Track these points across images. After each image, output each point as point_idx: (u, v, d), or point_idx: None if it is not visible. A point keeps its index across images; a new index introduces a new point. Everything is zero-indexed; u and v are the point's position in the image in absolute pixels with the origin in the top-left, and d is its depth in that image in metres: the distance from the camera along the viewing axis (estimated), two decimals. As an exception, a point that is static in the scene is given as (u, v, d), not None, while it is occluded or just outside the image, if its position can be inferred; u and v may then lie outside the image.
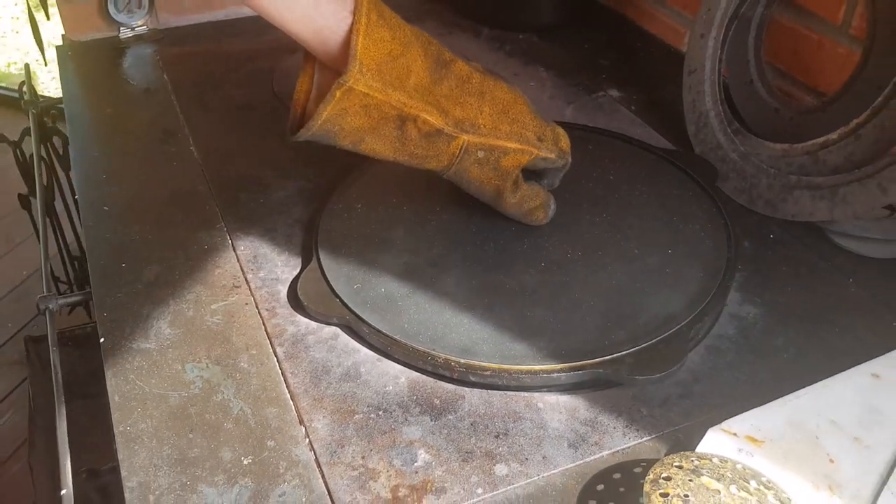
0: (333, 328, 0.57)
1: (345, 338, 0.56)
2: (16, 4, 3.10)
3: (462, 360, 0.52)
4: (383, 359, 0.54)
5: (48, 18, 1.04)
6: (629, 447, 0.49)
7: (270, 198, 0.70)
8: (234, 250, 0.64)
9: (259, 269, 0.62)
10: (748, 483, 0.44)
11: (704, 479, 0.44)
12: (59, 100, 0.93)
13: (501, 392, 0.52)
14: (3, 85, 2.50)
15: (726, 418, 0.49)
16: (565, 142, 0.61)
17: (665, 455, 0.47)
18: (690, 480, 0.43)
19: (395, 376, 0.53)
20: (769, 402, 0.50)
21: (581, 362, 0.52)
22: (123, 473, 0.47)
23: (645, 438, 0.50)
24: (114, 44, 0.95)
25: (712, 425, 0.49)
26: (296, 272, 0.61)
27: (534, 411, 0.51)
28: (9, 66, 2.72)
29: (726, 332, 0.57)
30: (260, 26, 0.98)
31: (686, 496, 0.42)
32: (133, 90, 0.86)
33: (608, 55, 0.94)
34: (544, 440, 0.49)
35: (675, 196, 0.68)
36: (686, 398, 0.52)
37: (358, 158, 0.72)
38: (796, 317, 0.58)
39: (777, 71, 0.81)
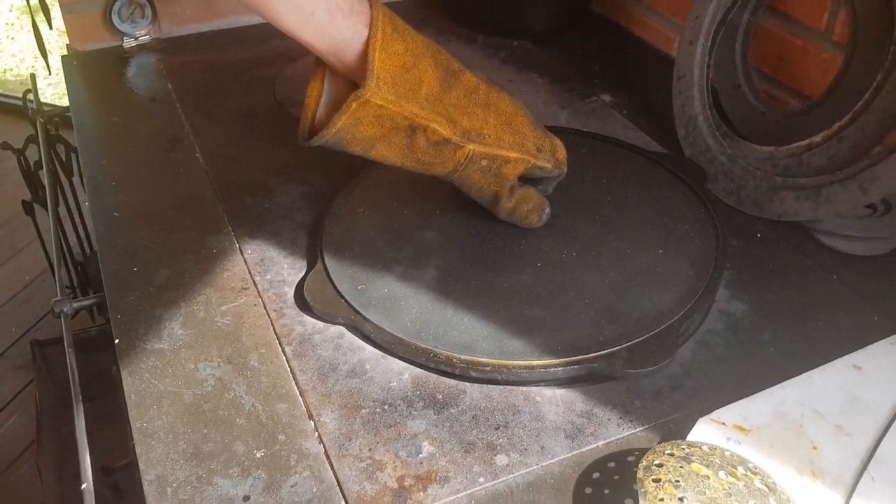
0: (339, 327, 0.59)
1: (350, 337, 0.58)
2: (10, 10, 3.11)
3: (463, 357, 0.54)
4: (387, 356, 0.57)
5: (51, 27, 1.06)
6: (623, 437, 0.52)
7: (275, 202, 0.72)
8: (242, 254, 0.66)
9: (266, 271, 0.64)
10: (736, 469, 0.46)
11: (694, 466, 0.46)
12: (66, 108, 0.95)
13: (501, 386, 0.55)
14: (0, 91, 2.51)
15: (715, 409, 0.52)
16: (562, 153, 0.64)
17: (657, 444, 0.49)
18: (681, 467, 0.46)
19: (399, 373, 0.56)
20: (756, 393, 0.53)
21: (577, 357, 0.54)
22: (142, 467, 0.49)
23: (638, 429, 0.52)
24: (117, 53, 0.97)
25: (702, 416, 0.51)
26: (301, 274, 0.64)
27: (532, 404, 0.54)
28: (4, 72, 2.73)
29: (715, 328, 0.59)
30: (261, 35, 1.01)
31: (677, 481, 0.45)
32: (138, 99, 0.89)
33: (601, 61, 0.97)
34: (542, 432, 0.52)
35: (665, 197, 0.70)
36: (677, 390, 0.55)
37: (360, 164, 0.75)
38: (782, 312, 0.61)
39: (763, 75, 0.83)
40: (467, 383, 0.55)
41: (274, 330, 0.59)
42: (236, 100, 0.88)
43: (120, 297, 0.61)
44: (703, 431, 0.50)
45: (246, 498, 0.47)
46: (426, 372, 0.56)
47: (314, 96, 0.57)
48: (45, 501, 0.95)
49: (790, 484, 0.47)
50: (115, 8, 0.95)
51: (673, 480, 0.45)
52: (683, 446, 0.48)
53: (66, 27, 0.97)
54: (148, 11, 0.97)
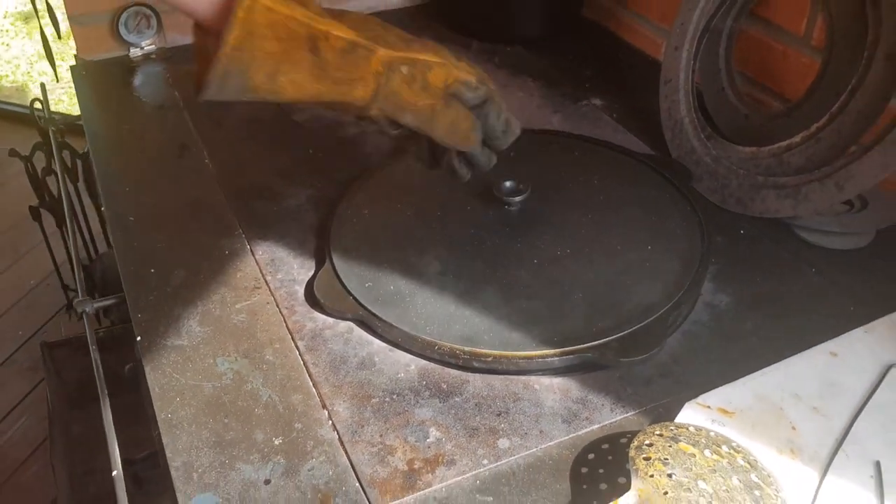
0: (348, 323, 0.63)
1: (359, 331, 0.62)
2: (5, 17, 3.13)
3: (466, 349, 0.58)
4: (395, 349, 0.60)
5: (59, 38, 1.09)
6: (616, 421, 0.55)
7: (283, 205, 0.75)
8: (253, 255, 0.69)
9: (277, 271, 0.68)
10: (720, 448, 0.50)
11: (682, 445, 0.50)
12: (76, 117, 0.98)
13: (502, 376, 0.58)
14: (-1, 98, 2.54)
15: (701, 394, 0.55)
16: (480, 71, 0.60)
17: (647, 426, 0.53)
18: (670, 446, 0.50)
19: (406, 364, 0.59)
20: (739, 378, 0.57)
21: (572, 348, 0.58)
22: (168, 455, 0.53)
23: (630, 413, 0.56)
24: (124, 63, 1.00)
25: (689, 400, 0.55)
26: (310, 273, 0.67)
27: (531, 392, 0.57)
28: (1, 78, 2.75)
29: (701, 319, 0.63)
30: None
31: (666, 459, 0.49)
32: (147, 107, 0.92)
33: (591, 66, 1.00)
34: (541, 417, 0.55)
35: (653, 197, 0.74)
36: (666, 377, 0.58)
37: (361, 169, 0.79)
38: (763, 303, 0.64)
39: (746, 79, 0.87)
40: (470, 373, 0.59)
41: (287, 326, 0.62)
42: (240, 107, 0.91)
43: (139, 297, 0.65)
44: (690, 414, 0.54)
45: (267, 481, 0.51)
46: (431, 363, 0.59)
47: (200, 56, 0.54)
48: (57, 498, 0.98)
49: (770, 461, 0.51)
50: (122, 19, 0.98)
51: (662, 458, 0.49)
52: (672, 428, 0.51)
53: (75, 38, 1.00)
54: (153, 22, 1.00)
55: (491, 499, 0.50)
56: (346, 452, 0.53)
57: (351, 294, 0.63)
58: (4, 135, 2.09)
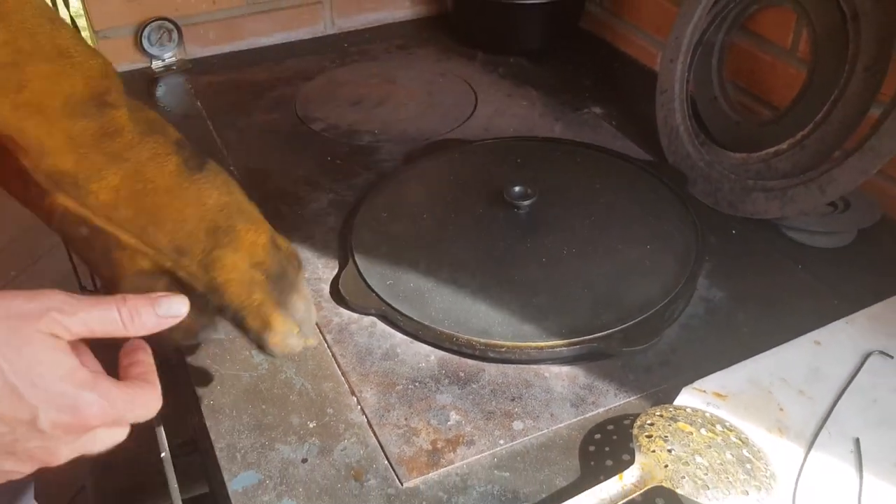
0: (371, 318, 0.68)
1: (382, 325, 0.67)
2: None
3: (482, 340, 0.63)
4: (415, 341, 0.66)
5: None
6: (620, 405, 0.61)
7: (306, 209, 0.81)
8: (280, 255, 0.74)
9: (303, 270, 0.73)
10: (715, 426, 0.56)
11: (680, 424, 0.55)
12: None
13: (515, 365, 0.63)
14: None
15: (697, 379, 0.61)
16: (236, 288, 0.47)
17: (649, 409, 0.58)
18: (669, 425, 0.55)
19: (427, 355, 0.65)
20: (732, 365, 0.62)
21: (579, 339, 0.63)
22: (212, 438, 0.58)
23: (632, 397, 0.61)
24: (147, 74, 1.05)
25: (686, 385, 0.60)
26: (334, 272, 0.72)
27: (542, 379, 0.63)
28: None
29: (697, 312, 0.69)
30: (277, 54, 1.10)
31: (666, 437, 0.54)
32: (172, 116, 0.97)
33: (590, 76, 1.06)
34: (551, 401, 0.61)
35: (651, 199, 0.79)
36: (665, 365, 0.64)
37: (377, 174, 0.84)
38: (754, 298, 0.70)
39: (738, 88, 0.93)
40: (486, 363, 0.64)
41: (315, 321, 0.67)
42: (261, 117, 0.96)
43: (177, 295, 0.70)
44: (687, 398, 0.59)
45: (304, 460, 0.56)
46: (450, 354, 0.64)
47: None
48: (85, 484, 1.02)
49: (761, 439, 0.56)
50: (145, 33, 1.03)
51: (662, 436, 0.54)
52: (671, 409, 0.57)
53: (99, 50, 1.05)
54: (175, 35, 1.05)
55: (508, 474, 0.55)
56: (375, 434, 0.58)
57: (374, 291, 0.68)
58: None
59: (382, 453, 0.57)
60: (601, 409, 0.60)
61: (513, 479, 0.55)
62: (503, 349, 0.63)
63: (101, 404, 0.41)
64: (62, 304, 0.41)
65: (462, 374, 0.63)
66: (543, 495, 0.54)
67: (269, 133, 0.93)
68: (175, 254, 0.47)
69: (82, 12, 1.07)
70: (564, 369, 0.63)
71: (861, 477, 0.54)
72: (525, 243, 0.73)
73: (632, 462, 0.53)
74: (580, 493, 0.51)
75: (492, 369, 0.63)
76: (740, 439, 0.55)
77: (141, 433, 0.46)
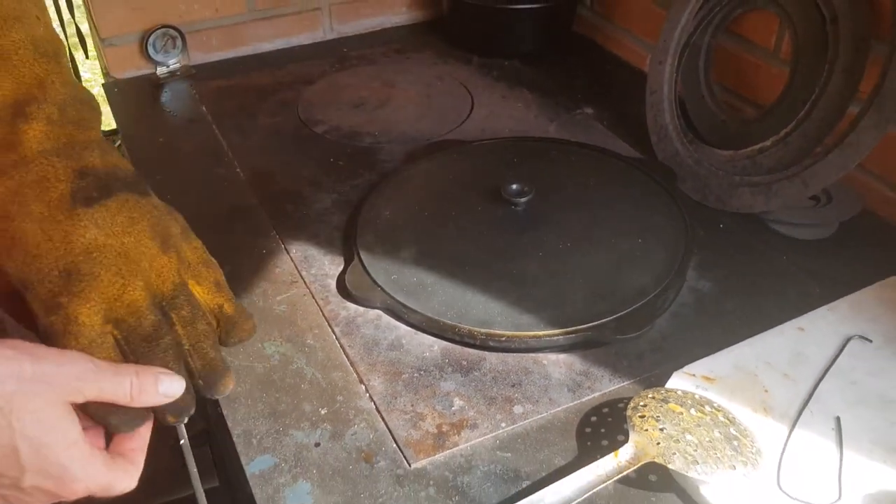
0: (377, 311, 0.71)
1: (387, 318, 0.70)
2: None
3: (482, 330, 0.67)
4: (419, 332, 0.69)
5: (87, 57, 1.17)
6: (614, 389, 0.64)
7: (311, 209, 0.84)
8: (288, 253, 0.78)
9: (310, 267, 0.76)
10: (704, 407, 0.59)
11: (671, 405, 0.59)
12: (110, 132, 1.06)
13: (514, 353, 0.67)
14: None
15: (687, 364, 0.64)
16: (73, 342, 0.45)
17: (641, 392, 0.62)
18: (661, 406, 0.58)
19: (430, 345, 0.68)
20: (719, 351, 0.65)
21: (575, 328, 0.67)
22: (230, 425, 0.61)
23: (626, 382, 0.65)
24: (152, 80, 1.09)
25: (676, 370, 0.64)
26: (340, 268, 0.76)
27: (540, 366, 0.66)
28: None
29: (686, 301, 0.72)
30: (278, 60, 1.13)
31: (658, 416, 0.57)
32: (178, 121, 1.00)
33: (583, 77, 1.09)
34: (549, 387, 0.64)
35: (642, 195, 0.83)
36: (656, 352, 0.67)
37: (379, 174, 0.88)
38: (740, 287, 0.73)
39: (724, 88, 0.97)
40: (487, 352, 0.67)
41: (323, 314, 0.71)
42: (265, 120, 1.00)
43: (190, 291, 0.73)
44: (678, 381, 0.63)
45: (317, 444, 0.59)
46: (452, 344, 0.68)
47: None
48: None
49: (747, 418, 0.60)
50: (151, 40, 1.06)
51: (654, 416, 0.57)
52: (662, 391, 0.60)
53: (106, 58, 1.08)
54: (179, 42, 1.08)
55: (509, 454, 0.59)
56: (384, 419, 0.61)
57: (378, 285, 0.71)
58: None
59: (391, 437, 0.60)
60: (596, 394, 0.64)
61: (514, 459, 0.58)
62: (503, 338, 0.66)
63: (84, 483, 0.43)
64: (86, 373, 0.42)
65: (464, 363, 0.66)
66: (543, 474, 0.57)
67: (273, 136, 0.97)
68: (20, 286, 0.45)
69: (87, 20, 1.10)
70: (561, 357, 0.67)
71: (841, 452, 0.57)
72: (522, 238, 0.77)
73: (626, 441, 0.56)
74: (579, 469, 0.54)
75: (492, 358, 0.67)
76: (728, 419, 0.59)
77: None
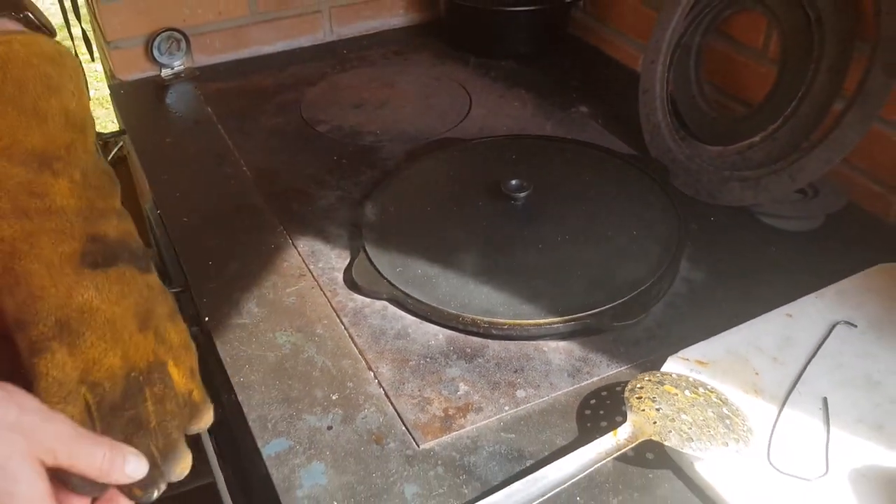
0: (383, 302, 0.74)
1: (393, 309, 0.73)
2: None
3: (485, 319, 0.69)
4: (424, 322, 0.72)
5: (92, 60, 1.19)
6: (612, 374, 0.67)
7: (316, 206, 0.86)
8: (295, 248, 0.80)
9: (318, 261, 0.79)
10: (698, 389, 0.62)
11: (667, 387, 0.62)
12: (115, 133, 1.08)
13: (516, 341, 0.70)
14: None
15: (681, 349, 0.67)
16: (48, 385, 0.45)
17: (638, 375, 0.65)
18: (657, 388, 0.61)
19: (435, 334, 0.71)
20: (712, 336, 0.68)
21: (574, 316, 0.70)
22: (245, 410, 0.64)
23: (623, 367, 0.68)
24: (157, 82, 1.11)
25: (671, 355, 0.67)
26: (346, 262, 0.78)
27: (541, 353, 0.69)
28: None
29: (680, 291, 0.75)
30: (280, 62, 1.16)
31: (654, 397, 0.60)
32: (184, 122, 1.03)
33: (577, 77, 1.12)
34: (550, 372, 0.67)
35: (636, 191, 0.86)
36: (652, 338, 0.70)
37: (381, 172, 0.90)
38: (731, 276, 0.76)
39: (714, 87, 1.00)
40: (489, 340, 0.70)
41: (331, 306, 0.73)
42: (269, 121, 1.02)
43: (202, 285, 0.76)
44: (673, 366, 0.66)
45: (329, 427, 0.62)
46: (456, 332, 0.70)
47: None
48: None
49: (739, 399, 0.63)
50: (155, 43, 1.09)
51: (651, 397, 0.60)
52: (658, 375, 0.63)
53: (112, 60, 1.10)
54: (183, 45, 1.11)
55: (513, 435, 0.62)
56: (392, 404, 0.64)
57: (384, 278, 0.74)
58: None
59: (400, 420, 0.63)
60: (595, 378, 0.66)
61: (518, 439, 0.61)
62: (505, 326, 0.69)
63: None
64: (66, 437, 0.42)
65: (468, 350, 0.69)
66: (546, 453, 0.60)
67: (277, 135, 0.99)
68: (14, 326, 0.46)
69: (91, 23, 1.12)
70: (561, 344, 0.70)
71: (828, 430, 0.60)
72: (522, 231, 0.79)
73: (624, 422, 0.59)
74: (579, 448, 0.57)
75: (495, 345, 0.69)
76: (720, 399, 0.62)
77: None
